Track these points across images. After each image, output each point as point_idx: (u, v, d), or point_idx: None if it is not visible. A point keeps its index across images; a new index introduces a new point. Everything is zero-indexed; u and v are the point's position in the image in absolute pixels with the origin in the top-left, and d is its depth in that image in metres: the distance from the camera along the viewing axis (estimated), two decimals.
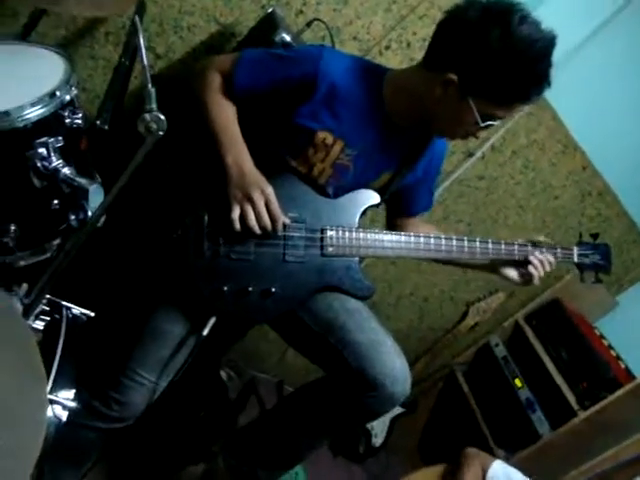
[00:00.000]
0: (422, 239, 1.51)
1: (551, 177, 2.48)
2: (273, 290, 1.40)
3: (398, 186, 1.56)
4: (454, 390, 2.83)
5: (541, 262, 1.58)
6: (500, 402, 2.66)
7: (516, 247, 1.58)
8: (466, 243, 1.54)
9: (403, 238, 1.50)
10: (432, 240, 1.51)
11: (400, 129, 1.44)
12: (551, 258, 1.60)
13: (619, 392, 2.36)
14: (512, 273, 1.61)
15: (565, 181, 2.50)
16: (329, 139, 1.42)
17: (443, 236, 1.53)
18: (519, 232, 2.59)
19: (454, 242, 1.53)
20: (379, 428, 2.75)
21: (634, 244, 2.83)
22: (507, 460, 2.50)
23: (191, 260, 1.39)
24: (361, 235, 1.47)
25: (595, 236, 1.72)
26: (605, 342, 2.71)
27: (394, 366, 1.37)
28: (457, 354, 2.92)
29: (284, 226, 1.39)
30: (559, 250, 1.64)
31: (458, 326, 2.72)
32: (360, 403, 1.40)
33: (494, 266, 1.63)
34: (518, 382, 2.62)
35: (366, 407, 1.40)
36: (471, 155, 2.30)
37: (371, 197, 1.51)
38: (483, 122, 1.31)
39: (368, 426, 2.74)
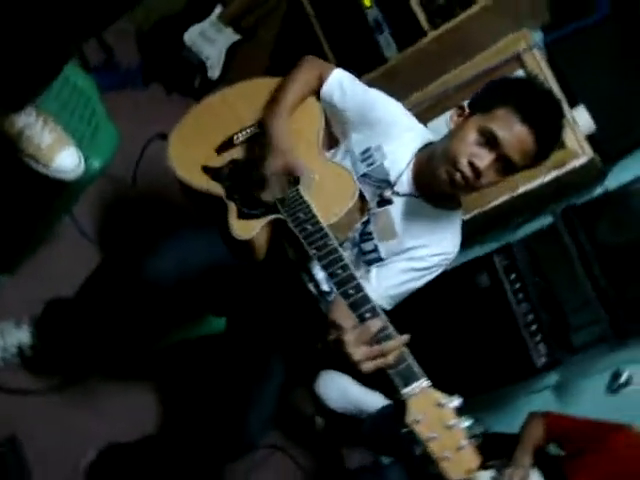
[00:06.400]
0: None
1: None
2: None
3: None
4: (298, 14, 2.51)
5: None
6: (346, 24, 2.38)
7: None
8: None
9: None
10: None
11: None
12: None
13: (471, 10, 2.16)
14: None
15: None
16: None
17: None
18: None
19: None
20: (215, 59, 2.46)
21: None
22: None
23: None
24: None
25: None
26: None
27: None
28: None
29: None
30: None
31: None
32: None
33: None
34: (366, 0, 2.32)
35: None
36: None
37: None
38: None
39: (202, 57, 2.44)
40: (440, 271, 1.51)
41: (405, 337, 0.99)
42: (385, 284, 1.45)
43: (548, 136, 1.35)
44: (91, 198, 2.04)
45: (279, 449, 2.10)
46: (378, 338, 1.00)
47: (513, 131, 1.30)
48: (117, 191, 2.16)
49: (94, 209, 2.07)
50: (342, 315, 1.07)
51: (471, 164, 1.32)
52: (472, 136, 1.33)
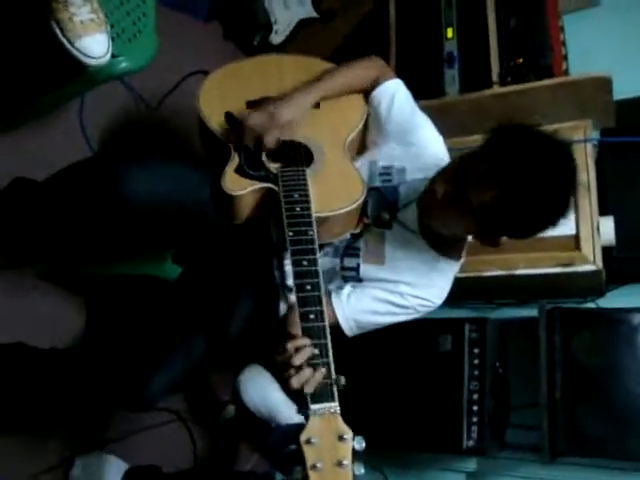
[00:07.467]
0: None
1: None
2: None
3: None
4: (380, 18, 2.45)
5: None
6: (421, 46, 2.33)
7: None
8: None
9: None
10: None
11: None
12: None
13: (546, 81, 2.11)
14: None
15: None
16: None
17: None
18: None
19: None
20: (283, 25, 2.40)
21: None
22: None
23: None
24: None
25: None
26: (562, 36, 2.37)
27: None
28: None
29: None
30: None
31: None
32: None
33: None
34: (450, 32, 2.27)
35: None
36: None
37: None
38: None
39: (272, 19, 2.38)
40: (413, 317, 1.42)
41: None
42: (355, 306, 1.38)
43: (515, 198, 1.18)
44: (109, 104, 1.99)
45: (181, 419, 2.02)
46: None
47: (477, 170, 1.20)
48: (137, 109, 2.11)
49: (107, 116, 2.02)
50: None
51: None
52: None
